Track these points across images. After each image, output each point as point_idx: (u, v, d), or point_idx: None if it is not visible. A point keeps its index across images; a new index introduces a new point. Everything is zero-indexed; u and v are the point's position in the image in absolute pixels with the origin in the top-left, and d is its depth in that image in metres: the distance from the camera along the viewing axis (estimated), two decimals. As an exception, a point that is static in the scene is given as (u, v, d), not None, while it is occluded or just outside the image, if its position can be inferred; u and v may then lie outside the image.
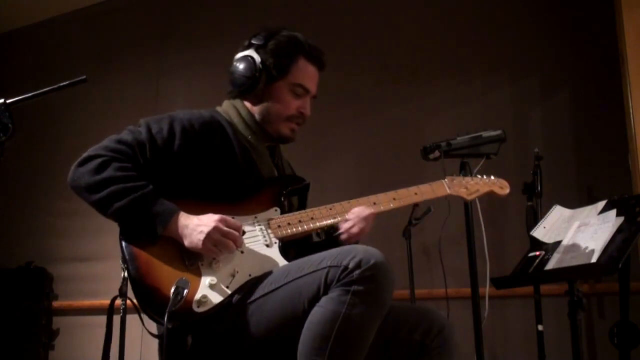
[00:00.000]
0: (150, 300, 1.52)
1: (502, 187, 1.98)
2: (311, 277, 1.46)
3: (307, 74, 1.83)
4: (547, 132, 3.32)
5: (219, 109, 1.86)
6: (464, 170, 2.47)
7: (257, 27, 1.89)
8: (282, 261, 1.64)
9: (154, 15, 4.53)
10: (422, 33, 3.69)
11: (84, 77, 1.48)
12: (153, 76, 4.36)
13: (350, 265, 1.40)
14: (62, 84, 1.46)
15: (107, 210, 1.58)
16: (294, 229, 1.71)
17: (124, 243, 1.60)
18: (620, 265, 1.78)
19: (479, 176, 2.00)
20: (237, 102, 1.85)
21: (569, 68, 3.32)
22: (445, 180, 1.93)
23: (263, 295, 1.53)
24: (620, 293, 2.65)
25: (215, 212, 1.61)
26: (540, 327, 2.73)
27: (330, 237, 1.79)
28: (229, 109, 1.84)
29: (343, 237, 1.74)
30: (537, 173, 2.80)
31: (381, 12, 3.80)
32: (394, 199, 1.82)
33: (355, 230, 1.72)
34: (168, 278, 1.52)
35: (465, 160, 2.49)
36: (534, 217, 2.68)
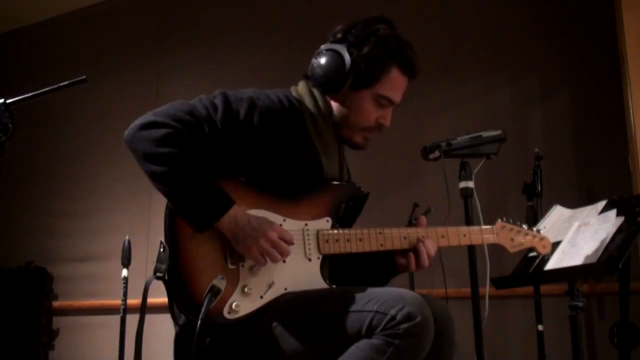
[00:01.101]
0: (182, 290, 1.48)
1: (544, 246, 1.90)
2: (355, 317, 1.42)
3: (396, 85, 1.71)
4: (547, 132, 3.32)
5: (295, 92, 1.73)
6: (464, 170, 2.47)
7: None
8: (320, 281, 1.60)
9: (154, 15, 4.52)
10: (422, 33, 3.69)
11: (84, 77, 1.48)
12: (153, 76, 4.36)
13: (398, 318, 1.37)
14: (62, 84, 1.47)
15: (159, 186, 1.51)
16: (340, 249, 1.64)
17: (169, 223, 1.53)
18: (620, 265, 1.79)
19: (525, 227, 1.90)
20: (317, 93, 1.71)
21: (569, 68, 3.32)
22: (496, 225, 1.86)
23: (297, 318, 1.49)
24: (620, 293, 2.65)
25: (270, 209, 1.58)
26: (540, 327, 2.73)
27: (382, 257, 1.73)
28: (305, 94, 1.71)
29: (401, 262, 1.70)
30: (537, 173, 2.81)
31: (381, 13, 3.79)
32: (442, 236, 1.76)
33: (412, 262, 1.67)
34: (205, 273, 1.48)
35: (465, 160, 2.49)
36: (534, 217, 2.68)
